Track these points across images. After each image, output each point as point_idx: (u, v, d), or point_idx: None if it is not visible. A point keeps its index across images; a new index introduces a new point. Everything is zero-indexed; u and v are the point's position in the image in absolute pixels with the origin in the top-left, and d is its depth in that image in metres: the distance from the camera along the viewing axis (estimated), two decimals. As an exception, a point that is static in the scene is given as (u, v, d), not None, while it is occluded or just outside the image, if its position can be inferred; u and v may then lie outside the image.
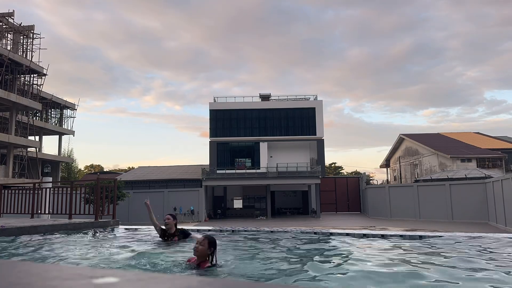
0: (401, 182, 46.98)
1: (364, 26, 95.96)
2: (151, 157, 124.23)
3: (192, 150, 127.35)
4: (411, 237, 7.41)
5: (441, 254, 5.73)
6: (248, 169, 35.94)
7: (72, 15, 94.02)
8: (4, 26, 32.70)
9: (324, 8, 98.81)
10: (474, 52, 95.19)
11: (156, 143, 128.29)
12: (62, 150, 42.34)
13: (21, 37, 33.47)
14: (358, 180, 38.94)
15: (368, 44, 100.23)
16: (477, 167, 37.24)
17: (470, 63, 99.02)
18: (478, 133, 50.52)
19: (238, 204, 36.78)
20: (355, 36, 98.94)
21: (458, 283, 3.93)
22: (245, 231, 9.01)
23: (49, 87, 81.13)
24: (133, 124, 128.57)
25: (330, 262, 5.37)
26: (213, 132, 37.18)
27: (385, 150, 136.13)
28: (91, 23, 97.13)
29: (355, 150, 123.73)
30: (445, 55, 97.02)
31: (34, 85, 34.32)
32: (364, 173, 40.04)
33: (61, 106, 40.48)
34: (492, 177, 24.51)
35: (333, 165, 72.63)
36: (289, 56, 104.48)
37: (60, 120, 41.52)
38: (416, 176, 43.79)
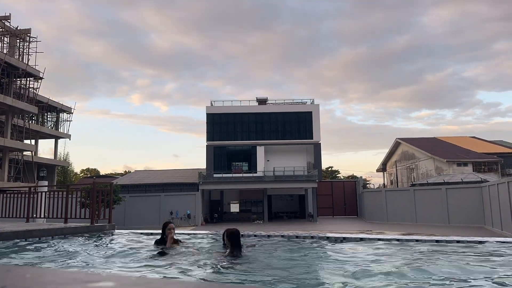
0: (397, 186, 47.07)
1: (356, 24, 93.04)
2: (141, 161, 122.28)
3: (183, 152, 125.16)
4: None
5: (440, 258, 5.73)
6: (245, 173, 35.91)
7: (38, 4, 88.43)
8: (1, 30, 32.63)
9: (311, 2, 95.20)
10: (469, 53, 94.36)
11: (144, 145, 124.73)
12: (58, 153, 42.19)
13: (18, 40, 33.40)
14: (355, 184, 38.98)
15: (360, 43, 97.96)
16: (473, 171, 37.37)
17: (465, 64, 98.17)
18: (474, 137, 50.77)
19: (235, 208, 36.71)
20: (346, 34, 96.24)
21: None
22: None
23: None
24: (118, 126, 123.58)
25: (327, 267, 5.36)
26: (210, 136, 37.15)
27: (380, 153, 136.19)
28: (59, 14, 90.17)
29: (350, 153, 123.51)
30: (439, 55, 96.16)
31: (30, 89, 34.23)
32: (361, 177, 40.14)
33: (57, 109, 40.37)
34: (488, 181, 24.61)
35: (329, 169, 72.73)
36: (276, 53, 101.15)
37: (56, 124, 41.39)
38: (413, 180, 43.89)
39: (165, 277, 4.72)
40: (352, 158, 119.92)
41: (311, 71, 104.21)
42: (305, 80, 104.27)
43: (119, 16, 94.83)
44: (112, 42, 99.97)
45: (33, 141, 37.11)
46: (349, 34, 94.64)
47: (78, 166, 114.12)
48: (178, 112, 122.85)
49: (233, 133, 37.43)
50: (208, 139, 37.15)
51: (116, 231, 10.14)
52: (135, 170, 49.87)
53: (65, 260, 6.04)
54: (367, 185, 53.88)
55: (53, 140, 41.17)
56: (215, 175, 34.97)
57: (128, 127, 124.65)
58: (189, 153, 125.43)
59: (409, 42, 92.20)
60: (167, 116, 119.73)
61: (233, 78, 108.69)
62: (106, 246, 8.11)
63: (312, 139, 36.94)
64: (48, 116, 40.99)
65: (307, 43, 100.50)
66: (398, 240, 7.54)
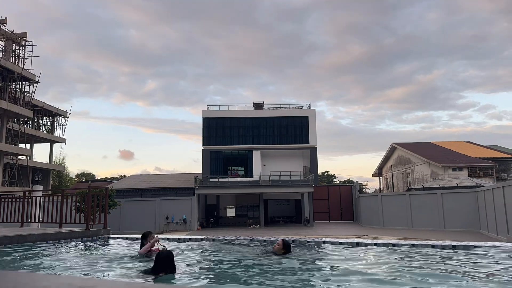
0: (393, 191, 47.17)
1: (345, 22, 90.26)
2: (128, 165, 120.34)
3: (173, 154, 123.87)
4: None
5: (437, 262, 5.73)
6: (241, 177, 35.85)
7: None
8: (-4, 33, 32.53)
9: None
10: (461, 52, 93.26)
11: (131, 148, 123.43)
12: (54, 158, 41.97)
13: (13, 44, 33.30)
14: (351, 188, 39.01)
15: (350, 42, 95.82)
16: (469, 176, 37.54)
17: (458, 63, 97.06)
18: (469, 142, 51.05)
19: (231, 212, 36.59)
20: (336, 34, 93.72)
21: None
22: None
23: None
24: (99, 129, 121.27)
25: (322, 272, 5.35)
26: (206, 140, 37.11)
27: (375, 157, 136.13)
28: (20, 2, 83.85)
29: (344, 157, 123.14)
30: (433, 55, 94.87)
31: (25, 93, 34.10)
32: (357, 181, 40.15)
33: (52, 113, 40.22)
34: (484, 186, 24.72)
35: (326, 173, 72.84)
36: (261, 51, 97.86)
37: (52, 128, 41.20)
38: (408, 185, 43.99)
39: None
40: (346, 162, 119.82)
41: (300, 71, 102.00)
42: (294, 80, 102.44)
43: (86, 8, 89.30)
44: (81, 35, 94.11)
45: (28, 145, 36.94)
46: (340, 33, 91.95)
47: (71, 170, 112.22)
48: (163, 114, 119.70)
49: (229, 137, 37.43)
50: (204, 143, 37.10)
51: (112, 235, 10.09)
52: (131, 175, 49.70)
53: (60, 265, 5.99)
54: (363, 190, 54.02)
55: (48, 144, 40.95)
56: (211, 180, 34.88)
57: (114, 129, 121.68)
58: (178, 154, 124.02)
59: (399, 41, 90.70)
60: (149, 118, 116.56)
61: (217, 77, 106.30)
62: (101, 251, 8.05)
63: (309, 143, 36.99)
64: (44, 120, 40.82)
65: (293, 39, 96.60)
66: (394, 245, 7.55)
